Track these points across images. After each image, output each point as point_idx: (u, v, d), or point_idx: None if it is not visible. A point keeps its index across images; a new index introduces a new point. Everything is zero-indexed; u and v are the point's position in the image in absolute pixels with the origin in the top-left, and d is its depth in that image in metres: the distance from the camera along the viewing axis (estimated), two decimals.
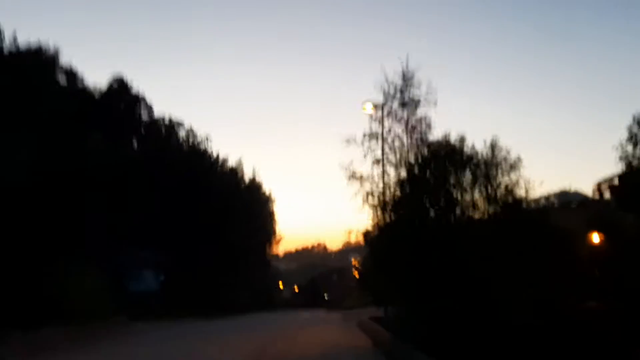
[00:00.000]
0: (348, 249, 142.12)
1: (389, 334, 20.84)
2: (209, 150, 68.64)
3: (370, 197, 20.34)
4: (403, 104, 20.09)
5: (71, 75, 59.69)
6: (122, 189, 49.76)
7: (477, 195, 18.55)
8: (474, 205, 18.53)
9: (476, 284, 15.54)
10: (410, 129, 20.03)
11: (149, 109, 71.30)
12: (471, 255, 16.04)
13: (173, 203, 55.69)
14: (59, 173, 39.09)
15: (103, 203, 45.86)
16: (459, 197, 18.51)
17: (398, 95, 20.07)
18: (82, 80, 61.03)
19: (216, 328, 34.35)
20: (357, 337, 25.89)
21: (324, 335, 26.82)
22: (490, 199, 18.42)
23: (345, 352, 20.05)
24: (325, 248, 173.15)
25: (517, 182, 18.63)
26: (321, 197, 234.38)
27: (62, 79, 57.26)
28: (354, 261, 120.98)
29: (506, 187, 18.59)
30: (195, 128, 69.22)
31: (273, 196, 75.91)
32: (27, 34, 79.94)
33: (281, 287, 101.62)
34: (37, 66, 51.34)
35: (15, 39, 50.20)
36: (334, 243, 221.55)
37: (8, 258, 28.10)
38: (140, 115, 70.89)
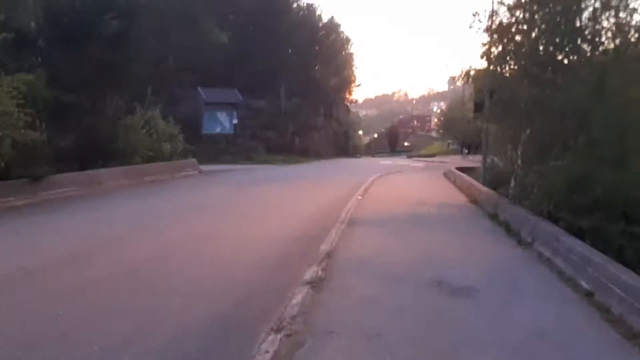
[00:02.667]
0: (430, 96, 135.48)
1: (492, 191, 16.49)
2: None
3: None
4: None
5: None
6: (197, 27, 45.72)
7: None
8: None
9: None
10: None
11: None
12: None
13: (248, 38, 51.57)
14: None
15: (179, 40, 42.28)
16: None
17: None
18: None
19: (286, 174, 31.22)
20: (447, 189, 21.80)
21: (408, 189, 22.80)
22: None
23: (435, 210, 16.02)
24: (406, 95, 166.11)
25: None
26: (405, 41, 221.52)
27: None
28: (435, 109, 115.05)
29: None
30: None
31: (351, 39, 69.50)
32: None
33: (360, 133, 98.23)
34: None
35: None
36: (415, 90, 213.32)
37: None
38: None
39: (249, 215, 14.99)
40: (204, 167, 32.60)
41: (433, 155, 64.55)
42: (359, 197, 18.29)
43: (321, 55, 62.01)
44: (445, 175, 28.97)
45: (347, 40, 68.06)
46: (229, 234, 12.09)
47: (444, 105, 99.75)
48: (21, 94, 16.91)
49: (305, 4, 65.67)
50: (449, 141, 74.96)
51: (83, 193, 19.27)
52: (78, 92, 22.51)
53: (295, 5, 64.57)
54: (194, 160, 30.00)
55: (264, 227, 12.88)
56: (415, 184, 24.84)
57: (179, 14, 43.89)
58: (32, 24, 22.51)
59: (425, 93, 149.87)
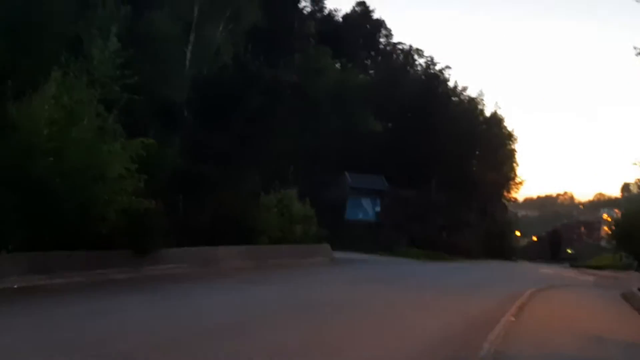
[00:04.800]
0: (600, 202, 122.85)
1: None
2: (447, 79, 60.72)
3: None
4: None
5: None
6: (348, 112, 44.80)
7: None
8: None
9: None
10: None
11: (388, 35, 67.37)
12: None
13: (403, 127, 49.59)
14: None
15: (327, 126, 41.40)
16: None
17: None
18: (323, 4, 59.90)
19: (424, 273, 27.06)
20: (633, 321, 16.36)
21: (577, 313, 17.54)
22: None
23: (623, 357, 11.14)
24: (571, 198, 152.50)
25: None
26: (571, 142, 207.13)
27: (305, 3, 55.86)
28: (606, 216, 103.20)
29: None
30: (436, 59, 62.18)
31: (515, 134, 64.65)
32: None
33: (518, 234, 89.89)
34: None
35: None
36: (582, 194, 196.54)
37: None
38: (378, 40, 67.05)
39: (357, 324, 11.38)
40: (339, 255, 29.75)
41: (602, 268, 55.65)
42: (512, 319, 13.83)
43: (480, 149, 58.04)
44: (625, 297, 22.88)
45: (510, 135, 63.39)
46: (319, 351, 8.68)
47: (617, 213, 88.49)
48: (138, 159, 15.45)
49: (467, 98, 62.92)
50: (623, 254, 64.82)
51: (192, 272, 17.15)
52: (214, 164, 21.22)
53: (456, 98, 62.07)
54: (327, 246, 27.32)
55: (362, 347, 9.27)
56: (587, 307, 19.35)
57: (332, 98, 43.16)
58: (179, 95, 22.00)
59: (594, 198, 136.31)
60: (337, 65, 52.37)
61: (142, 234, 15.54)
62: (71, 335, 8.50)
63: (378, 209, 41.05)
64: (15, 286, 12.20)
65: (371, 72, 61.45)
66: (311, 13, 59.11)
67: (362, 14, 65.98)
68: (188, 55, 22.58)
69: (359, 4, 66.34)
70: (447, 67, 61.01)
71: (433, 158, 50.05)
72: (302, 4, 55.16)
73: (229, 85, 21.87)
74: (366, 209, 40.96)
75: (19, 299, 11.87)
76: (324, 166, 41.04)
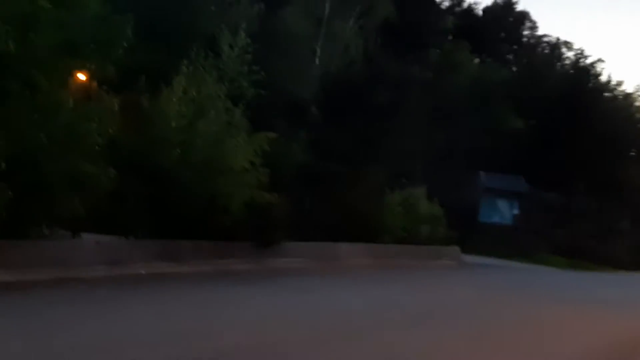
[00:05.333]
0: None
1: None
2: (599, 73, 55.18)
3: None
4: None
5: None
6: (487, 109, 42.51)
7: None
8: None
9: None
10: None
11: (533, 27, 63.07)
12: None
13: (547, 125, 45.96)
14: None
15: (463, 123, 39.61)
16: None
17: None
18: None
19: (567, 284, 24.63)
20: None
21: None
22: None
23: None
24: None
25: None
26: None
27: None
28: None
29: None
30: (587, 52, 56.74)
31: None
32: None
33: None
34: None
35: None
36: None
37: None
38: (522, 33, 63.07)
39: (477, 341, 10.31)
40: (470, 259, 28.24)
41: None
42: None
43: (636, 150, 52.19)
44: None
45: None
46: None
47: None
48: (262, 153, 15.58)
49: (622, 93, 56.80)
50: None
51: (314, 267, 17.06)
52: (340, 161, 21.01)
53: (609, 94, 56.35)
54: (456, 248, 26.01)
55: None
56: None
57: (469, 94, 41.14)
58: (308, 92, 22.04)
59: None
60: (476, 61, 50.14)
61: (264, 227, 15.70)
62: (192, 325, 8.50)
63: (516, 211, 38.43)
64: (143, 272, 12.83)
65: (514, 67, 57.92)
66: (450, 7, 57.19)
67: (504, 6, 62.34)
68: (318, 51, 22.64)
69: None
70: (600, 60, 55.35)
71: (580, 159, 45.74)
72: None
73: (357, 81, 21.48)
74: (502, 212, 38.52)
75: (148, 284, 12.48)
76: (457, 165, 39.18)
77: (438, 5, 52.74)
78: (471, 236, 35.90)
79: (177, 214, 13.71)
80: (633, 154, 51.62)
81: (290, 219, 17.31)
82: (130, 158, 13.07)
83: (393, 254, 20.81)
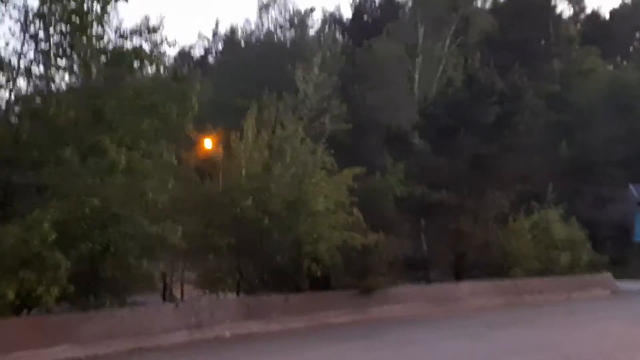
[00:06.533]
0: None
1: None
2: None
3: None
4: None
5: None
6: (628, 115, 37.16)
7: None
8: None
9: None
10: None
11: None
12: None
13: None
14: None
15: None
16: None
17: None
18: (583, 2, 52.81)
19: None
20: None
21: None
22: None
23: None
24: None
25: None
26: None
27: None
28: None
29: None
30: None
31: None
32: None
33: None
34: None
35: None
36: None
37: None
38: None
39: None
40: (629, 286, 23.55)
41: None
42: None
43: None
44: None
45: None
46: None
47: None
48: (353, 190, 13.83)
49: None
50: None
51: (427, 313, 14.65)
52: (449, 189, 18.58)
53: None
54: (608, 275, 21.76)
55: None
56: None
57: (606, 101, 36.17)
58: (407, 120, 20.04)
59: None
60: (610, 67, 44.86)
61: (362, 271, 13.78)
62: None
63: None
64: (228, 334, 11.50)
65: None
66: (574, 15, 52.54)
67: (634, 4, 55.89)
68: (416, 78, 20.68)
69: None
70: None
71: None
72: (560, 8, 49.08)
73: (458, 101, 19.07)
74: None
75: (234, 347, 11.11)
76: (600, 180, 34.15)
77: (558, 15, 48.47)
78: (627, 259, 30.65)
79: (263, 266, 12.34)
80: None
81: (396, 260, 15.21)
82: (206, 211, 12.05)
83: (526, 289, 17.57)
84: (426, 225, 18.78)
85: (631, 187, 33.42)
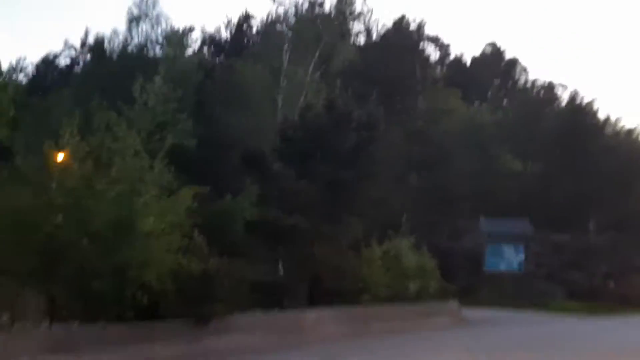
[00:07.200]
0: None
1: None
2: (595, 111, 52.77)
3: None
4: None
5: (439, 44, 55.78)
6: (482, 153, 39.82)
7: None
8: None
9: None
10: None
11: (524, 72, 61.38)
12: None
13: (548, 166, 42.98)
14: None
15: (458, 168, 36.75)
16: None
17: None
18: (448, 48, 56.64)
19: (584, 336, 20.77)
20: None
21: None
22: None
23: None
24: None
25: None
26: None
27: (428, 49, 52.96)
28: None
29: None
30: (582, 91, 55.36)
31: None
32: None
33: None
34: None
35: None
36: None
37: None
38: (513, 78, 61.27)
39: None
40: (475, 313, 24.41)
41: None
42: None
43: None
44: None
45: None
46: None
47: None
48: (196, 211, 12.71)
49: (622, 128, 54.03)
50: None
51: (268, 343, 13.74)
52: (304, 214, 18.02)
53: (609, 130, 53.64)
54: (455, 303, 22.36)
55: None
56: None
57: (463, 139, 38.47)
58: (269, 144, 19.38)
59: None
60: (469, 108, 48.14)
61: (199, 299, 12.60)
62: None
63: (522, 256, 34.61)
64: None
65: (508, 112, 55.68)
66: (440, 59, 56.13)
67: (493, 54, 61.13)
68: (279, 102, 20.30)
69: (489, 44, 61.95)
70: (594, 99, 53.55)
71: (588, 197, 42.24)
72: (427, 51, 52.20)
73: (317, 127, 18.82)
74: (509, 258, 34.68)
75: None
76: (454, 212, 35.93)
77: (425, 58, 51.37)
78: (477, 287, 32.19)
79: (77, 293, 10.76)
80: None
81: (241, 287, 14.23)
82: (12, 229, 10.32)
83: (374, 317, 17.35)
84: (284, 250, 18.08)
85: (482, 219, 35.45)
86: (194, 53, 21.35)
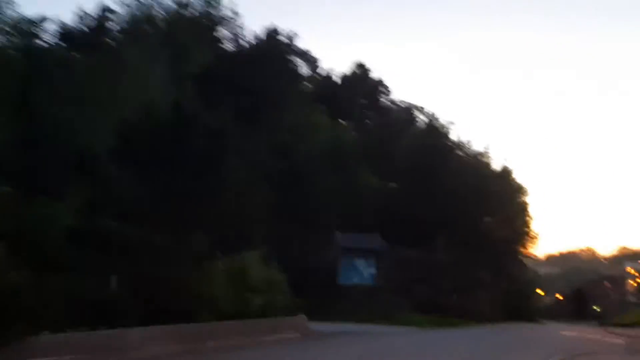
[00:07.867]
0: (623, 256, 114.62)
1: None
2: (448, 133, 56.53)
3: None
4: None
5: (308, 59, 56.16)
6: (343, 170, 40.51)
7: None
8: None
9: None
10: None
11: (387, 93, 64.23)
12: None
13: (404, 184, 44.99)
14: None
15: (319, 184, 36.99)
16: None
17: None
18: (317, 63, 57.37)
19: (423, 347, 21.46)
20: None
21: None
22: None
23: None
24: (593, 253, 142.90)
25: None
26: (591, 195, 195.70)
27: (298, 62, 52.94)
28: (630, 269, 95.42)
29: None
30: (439, 115, 58.72)
31: (526, 187, 59.36)
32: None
33: (541, 293, 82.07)
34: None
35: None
36: (605, 248, 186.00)
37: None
38: (377, 98, 63.86)
39: None
40: (323, 327, 24.30)
41: (633, 326, 48.39)
42: None
43: (488, 204, 52.57)
44: None
45: (520, 187, 58.02)
46: None
47: None
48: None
49: (473, 152, 58.47)
50: None
51: None
52: (143, 224, 16.60)
53: (461, 153, 57.70)
54: (302, 317, 22.03)
55: None
56: None
57: (325, 156, 38.91)
58: (102, 144, 17.72)
59: (618, 252, 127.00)
60: (334, 126, 48.94)
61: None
62: None
63: (374, 270, 35.62)
64: None
65: (371, 130, 57.71)
66: (309, 76, 56.60)
67: (360, 74, 63.23)
68: (118, 99, 18.64)
69: (358, 66, 63.97)
70: (451, 122, 57.19)
71: (438, 215, 44.83)
72: (296, 64, 52.36)
73: (162, 129, 17.59)
74: (361, 272, 35.55)
75: None
76: (313, 227, 36.08)
77: (294, 71, 51.49)
78: (332, 301, 32.41)
79: None
80: (487, 208, 51.84)
81: (51, 304, 12.55)
82: None
83: (211, 334, 16.34)
84: (117, 264, 16.46)
85: (337, 234, 35.96)
86: (21, 41, 18.98)
